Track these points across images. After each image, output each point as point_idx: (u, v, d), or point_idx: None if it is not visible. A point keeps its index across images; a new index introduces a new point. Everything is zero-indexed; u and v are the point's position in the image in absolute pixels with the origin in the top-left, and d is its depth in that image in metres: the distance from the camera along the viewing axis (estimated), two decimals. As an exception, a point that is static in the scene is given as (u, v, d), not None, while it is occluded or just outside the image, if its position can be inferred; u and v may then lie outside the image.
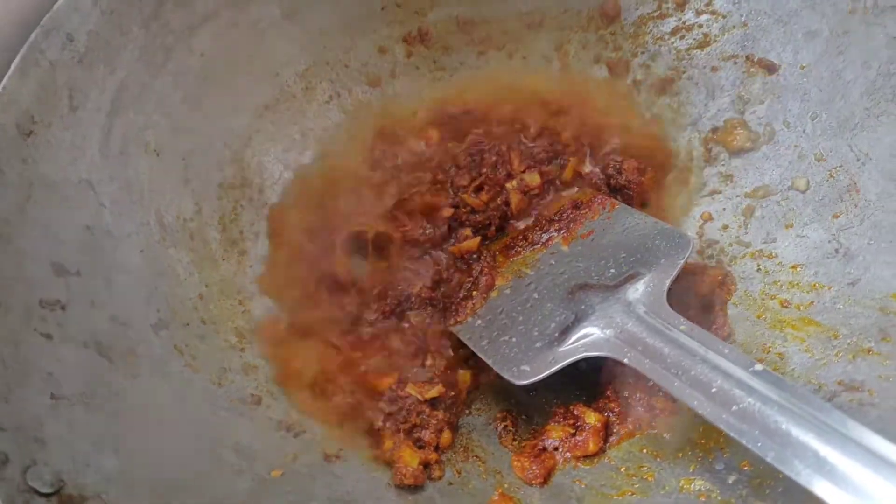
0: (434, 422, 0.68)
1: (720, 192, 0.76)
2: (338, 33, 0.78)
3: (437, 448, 0.68)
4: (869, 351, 0.62)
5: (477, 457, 0.69)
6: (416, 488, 0.65)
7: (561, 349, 0.66)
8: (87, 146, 0.64)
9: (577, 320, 0.67)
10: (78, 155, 0.64)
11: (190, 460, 0.60)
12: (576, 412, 0.68)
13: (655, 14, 0.78)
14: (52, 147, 0.62)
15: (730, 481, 0.61)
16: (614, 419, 0.68)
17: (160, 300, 0.67)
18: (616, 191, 0.78)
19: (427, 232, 0.76)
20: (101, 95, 0.65)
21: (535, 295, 0.72)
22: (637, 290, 0.67)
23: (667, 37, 0.79)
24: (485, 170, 0.78)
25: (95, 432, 0.56)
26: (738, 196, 0.75)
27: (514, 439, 0.70)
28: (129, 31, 0.66)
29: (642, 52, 0.79)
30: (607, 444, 0.67)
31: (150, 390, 0.62)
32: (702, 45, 0.78)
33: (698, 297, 0.72)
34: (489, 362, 0.69)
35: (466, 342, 0.71)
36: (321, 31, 0.77)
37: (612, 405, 0.69)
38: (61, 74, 0.62)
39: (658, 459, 0.65)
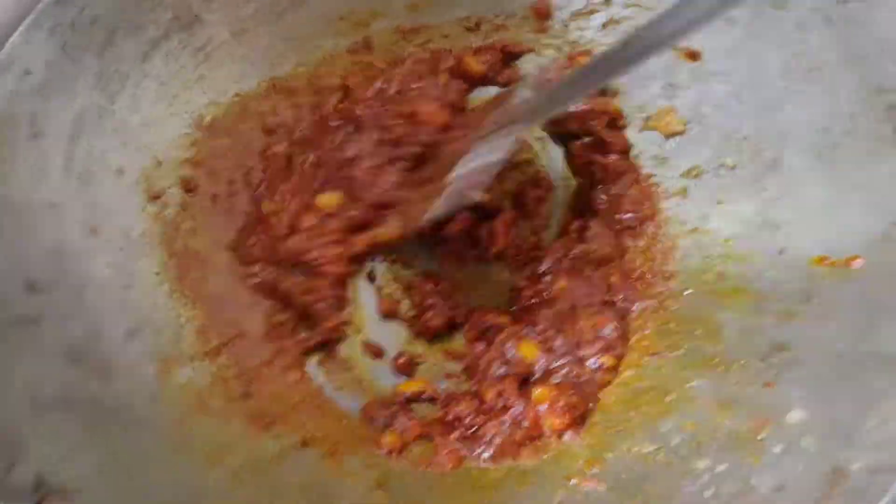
0: None
1: (654, 175, 0.80)
2: (283, 49, 0.81)
3: None
4: (796, 313, 0.67)
5: None
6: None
7: None
8: (50, 170, 0.68)
9: None
10: (42, 179, 0.67)
11: (166, 456, 0.64)
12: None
13: (585, 10, 0.83)
14: (17, 172, 0.65)
15: (674, 442, 0.65)
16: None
17: (131, 310, 0.70)
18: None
19: None
20: (61, 122, 0.69)
21: None
22: None
23: (597, 31, 0.83)
24: None
25: (73, 435, 0.60)
26: (672, 177, 0.80)
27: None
28: (82, 61, 0.69)
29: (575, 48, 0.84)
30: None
31: (124, 394, 0.66)
32: (631, 37, 0.82)
33: None
34: None
35: None
36: (268, 48, 0.81)
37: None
38: (20, 105, 0.66)
39: (607, 429, 0.69)
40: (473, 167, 0.72)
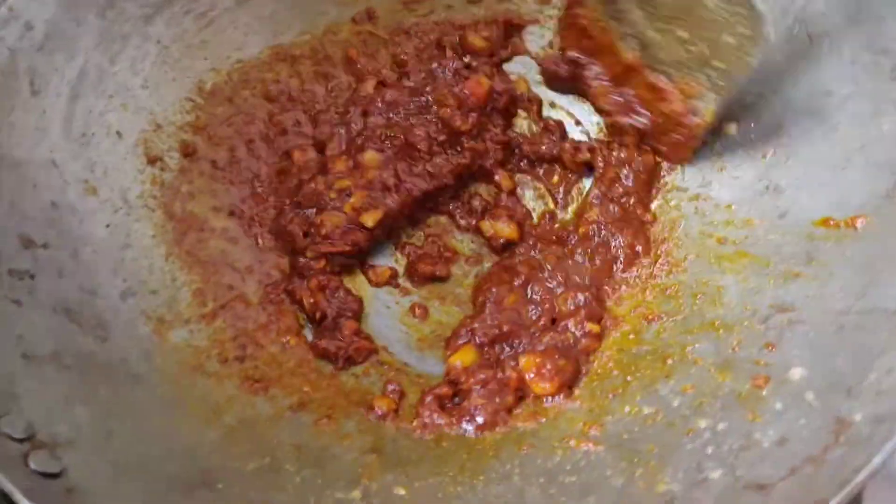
0: None
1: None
2: (287, 17, 0.81)
3: None
4: (798, 274, 0.66)
5: None
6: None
7: None
8: (50, 128, 0.68)
9: None
10: (41, 137, 0.67)
11: (160, 412, 0.64)
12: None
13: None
14: (16, 129, 0.66)
15: (674, 404, 0.64)
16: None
17: (126, 271, 0.70)
18: None
19: None
20: (61, 81, 0.69)
21: None
22: None
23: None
24: None
25: (66, 388, 0.60)
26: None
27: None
28: (85, 21, 0.70)
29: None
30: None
31: (119, 351, 0.65)
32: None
33: None
34: None
35: None
36: (272, 15, 0.81)
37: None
38: (22, 61, 0.66)
39: (606, 393, 0.69)
40: None
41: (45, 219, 0.66)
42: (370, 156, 0.78)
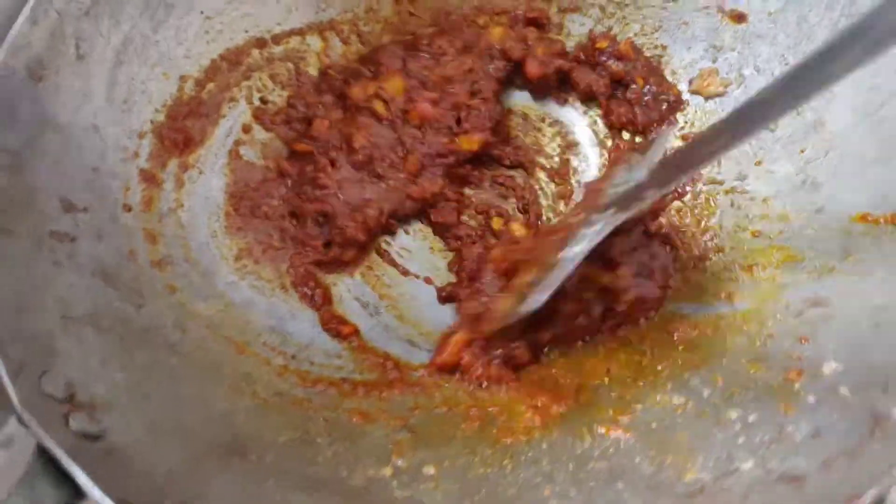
0: None
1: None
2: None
3: None
4: (833, 269, 0.66)
5: None
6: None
7: None
8: (94, 93, 0.68)
9: None
10: (85, 101, 0.68)
11: (195, 379, 0.64)
12: None
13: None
14: (61, 92, 0.66)
15: (704, 395, 0.64)
16: None
17: (164, 238, 0.71)
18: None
19: None
20: (106, 47, 0.69)
21: None
22: None
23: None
24: None
25: (104, 350, 0.60)
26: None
27: None
28: (131, -15, 0.70)
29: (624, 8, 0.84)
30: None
31: (155, 317, 0.66)
32: (675, -2, 0.82)
33: None
34: None
35: None
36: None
37: None
38: (68, 25, 0.66)
39: (637, 380, 0.69)
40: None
41: (86, 182, 0.67)
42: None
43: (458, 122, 0.79)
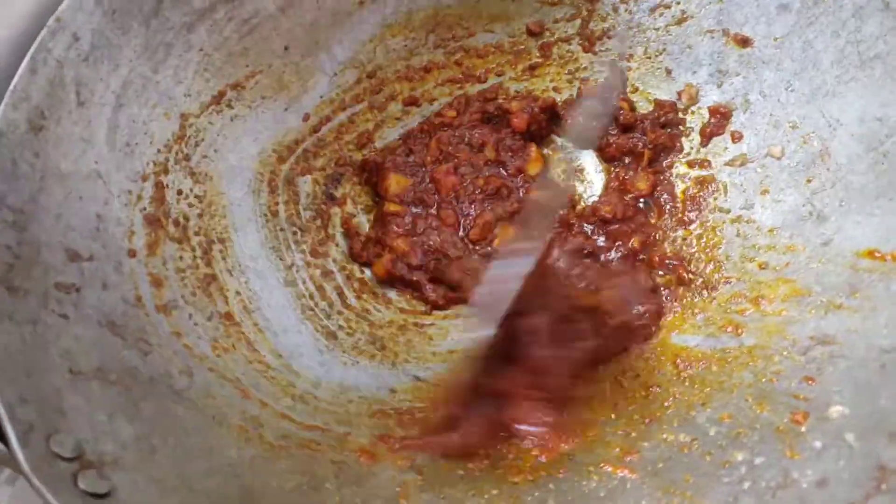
0: None
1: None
2: (327, 26, 0.81)
3: None
4: (840, 306, 0.65)
5: None
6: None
7: None
8: (95, 139, 0.68)
9: None
10: (86, 148, 0.67)
11: (202, 428, 0.64)
12: None
13: (635, -8, 0.82)
14: (62, 141, 0.66)
15: (711, 433, 0.64)
16: None
17: (168, 283, 0.71)
18: None
19: None
20: (106, 91, 0.69)
21: None
22: None
23: (646, 15, 0.82)
24: None
25: (111, 404, 0.60)
26: (717, 166, 0.78)
27: None
28: (130, 29, 0.70)
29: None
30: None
31: (161, 364, 0.66)
32: (679, 21, 0.81)
33: None
34: None
35: None
36: (313, 23, 0.80)
37: None
38: (68, 72, 0.66)
39: (644, 417, 0.69)
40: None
41: (90, 231, 0.67)
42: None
43: None
